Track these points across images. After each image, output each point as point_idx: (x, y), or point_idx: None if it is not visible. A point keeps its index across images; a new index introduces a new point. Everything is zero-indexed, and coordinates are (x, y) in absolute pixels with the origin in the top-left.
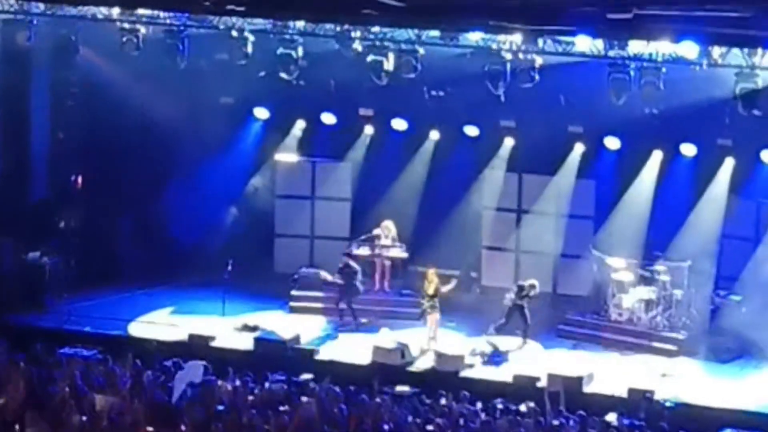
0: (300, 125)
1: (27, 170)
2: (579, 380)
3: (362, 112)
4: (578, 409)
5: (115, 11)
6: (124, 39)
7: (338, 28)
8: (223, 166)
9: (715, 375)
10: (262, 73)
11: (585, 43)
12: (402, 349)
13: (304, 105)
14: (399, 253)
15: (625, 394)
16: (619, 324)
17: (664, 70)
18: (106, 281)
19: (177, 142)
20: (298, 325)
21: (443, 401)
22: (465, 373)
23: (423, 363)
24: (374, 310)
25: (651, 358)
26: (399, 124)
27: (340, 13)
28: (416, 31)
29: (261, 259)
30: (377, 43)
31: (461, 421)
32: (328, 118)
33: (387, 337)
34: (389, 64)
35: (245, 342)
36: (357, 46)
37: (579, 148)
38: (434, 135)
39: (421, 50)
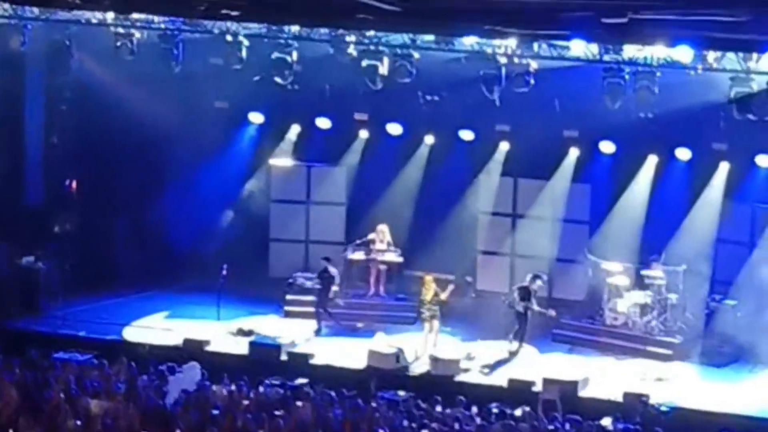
0: (295, 130)
1: (21, 175)
2: (574, 384)
3: (357, 116)
4: (573, 413)
5: (110, 16)
6: (119, 43)
7: (333, 33)
8: (218, 171)
9: (711, 379)
10: (257, 78)
11: (580, 48)
12: (397, 354)
13: (298, 109)
14: (394, 257)
15: (620, 399)
16: (615, 328)
17: (658, 74)
18: (101, 285)
19: (172, 146)
20: (293, 330)
21: (438, 406)
22: (460, 378)
23: (418, 367)
24: (369, 315)
25: (646, 362)
26: (394, 128)
27: (335, 18)
28: (411, 35)
29: (256, 263)
30: (372, 47)
31: (456, 426)
32: (322, 123)
33: (382, 342)
34: (384, 69)
35: (240, 346)
36: (352, 50)
37: (574, 153)
38: (429, 139)
39: (416, 55)
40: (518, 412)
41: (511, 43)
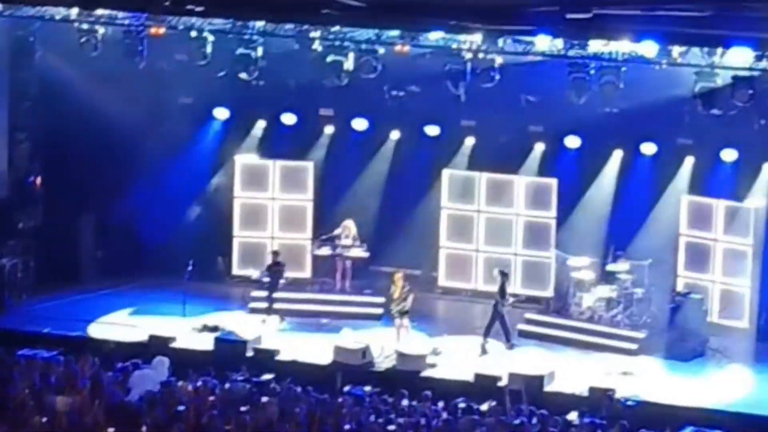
0: (260, 125)
1: None
2: (540, 379)
3: (322, 112)
4: (540, 408)
5: (74, 12)
6: (83, 40)
7: (298, 28)
8: (183, 167)
9: (676, 373)
10: (222, 74)
11: (545, 43)
12: (363, 349)
13: (264, 105)
14: (360, 253)
15: (586, 393)
16: (581, 323)
17: (624, 69)
18: (66, 282)
19: (137, 142)
20: (258, 326)
21: (405, 401)
22: (426, 373)
23: (384, 363)
24: (335, 311)
25: (612, 356)
26: (359, 123)
27: (300, 13)
28: (376, 30)
29: (222, 259)
30: (337, 43)
31: (423, 421)
32: (288, 119)
33: (348, 337)
34: (349, 64)
35: (206, 342)
36: (317, 46)
37: (540, 148)
38: (395, 135)
39: (381, 50)
40: (485, 407)
41: (477, 38)
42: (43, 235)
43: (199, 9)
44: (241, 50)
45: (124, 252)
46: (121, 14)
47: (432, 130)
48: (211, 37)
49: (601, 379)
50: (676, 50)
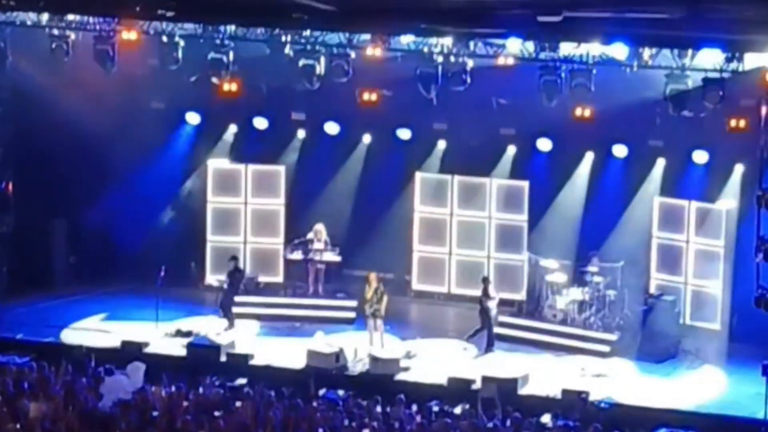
0: (232, 130)
1: None
2: (514, 382)
3: (294, 116)
4: (513, 410)
5: (44, 17)
6: (54, 45)
7: (269, 33)
8: (155, 172)
9: (649, 375)
10: (194, 78)
11: (516, 46)
12: (337, 353)
13: (236, 109)
14: (332, 256)
15: (559, 395)
16: (554, 325)
17: (594, 71)
18: (39, 288)
19: (109, 147)
20: (232, 330)
21: (378, 405)
22: (400, 377)
23: (358, 367)
24: (309, 315)
25: (585, 358)
26: (331, 127)
27: (271, 17)
28: (347, 34)
29: (195, 264)
30: (308, 47)
31: (396, 425)
32: (260, 123)
33: (322, 341)
34: (321, 68)
35: (179, 348)
36: (288, 50)
37: (511, 150)
38: (366, 138)
39: (353, 54)
40: (458, 410)
41: (448, 41)
42: (15, 241)
43: (170, 14)
44: (212, 55)
45: (96, 257)
46: (92, 19)
47: (404, 134)
48: (182, 42)
49: (574, 382)
50: (647, 52)
